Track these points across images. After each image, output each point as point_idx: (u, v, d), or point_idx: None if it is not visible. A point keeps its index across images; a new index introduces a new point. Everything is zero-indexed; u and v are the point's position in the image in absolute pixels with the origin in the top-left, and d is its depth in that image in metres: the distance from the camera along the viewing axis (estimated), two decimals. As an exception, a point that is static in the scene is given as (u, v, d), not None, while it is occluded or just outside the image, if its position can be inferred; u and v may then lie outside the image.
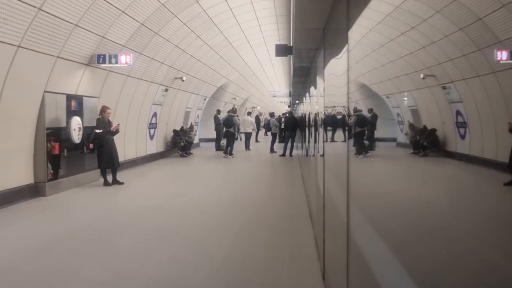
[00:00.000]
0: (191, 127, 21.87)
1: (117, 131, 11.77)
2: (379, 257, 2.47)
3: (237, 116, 21.21)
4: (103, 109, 11.65)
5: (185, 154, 19.83)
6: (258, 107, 49.11)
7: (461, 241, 1.55)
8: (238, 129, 22.00)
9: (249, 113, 28.60)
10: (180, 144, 19.63)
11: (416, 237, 2.05)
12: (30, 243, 6.53)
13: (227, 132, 19.93)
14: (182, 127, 20.79)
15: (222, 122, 20.66)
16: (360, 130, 3.40)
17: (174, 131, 19.82)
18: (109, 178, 11.62)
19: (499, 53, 1.25)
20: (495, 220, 1.34)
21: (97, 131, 11.36)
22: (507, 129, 1.24)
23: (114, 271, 5.36)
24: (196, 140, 23.62)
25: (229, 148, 19.42)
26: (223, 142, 21.88)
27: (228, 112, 21.03)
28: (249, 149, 22.61)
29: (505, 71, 1.25)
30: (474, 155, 1.63)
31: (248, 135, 22.88)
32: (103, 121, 11.54)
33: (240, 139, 25.25)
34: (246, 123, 22.50)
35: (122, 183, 11.63)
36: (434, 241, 1.83)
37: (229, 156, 19.10)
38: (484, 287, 1.42)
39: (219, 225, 7.61)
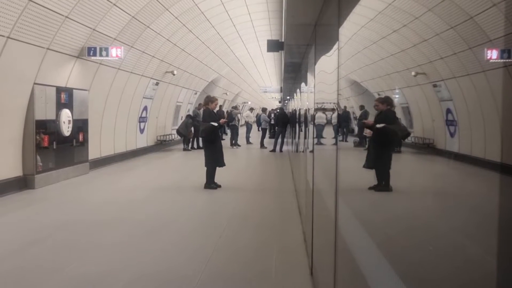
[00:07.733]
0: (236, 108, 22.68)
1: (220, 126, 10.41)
2: (366, 254, 2.49)
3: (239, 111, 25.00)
4: (211, 100, 10.01)
5: (189, 148, 19.75)
6: (249, 102, 49.08)
7: (448, 237, 1.56)
8: (238, 121, 24.97)
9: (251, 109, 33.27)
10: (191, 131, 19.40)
11: (403, 233, 2.06)
12: (16, 236, 6.48)
13: (231, 125, 21.95)
14: (189, 114, 20.48)
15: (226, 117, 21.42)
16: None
17: (188, 115, 19.86)
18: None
19: (489, 52, 1.26)
20: (479, 217, 1.35)
21: (215, 124, 9.78)
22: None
23: (101, 265, 5.33)
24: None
25: (234, 140, 21.69)
26: None
27: (232, 108, 24.04)
28: (251, 143, 23.49)
29: (494, 70, 1.26)
30: (463, 153, 1.64)
31: (248, 127, 24.60)
32: (210, 113, 9.90)
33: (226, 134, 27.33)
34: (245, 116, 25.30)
35: (219, 186, 10.31)
36: (421, 237, 1.84)
37: (235, 147, 21.19)
38: (469, 282, 1.44)
39: (208, 219, 7.61)
